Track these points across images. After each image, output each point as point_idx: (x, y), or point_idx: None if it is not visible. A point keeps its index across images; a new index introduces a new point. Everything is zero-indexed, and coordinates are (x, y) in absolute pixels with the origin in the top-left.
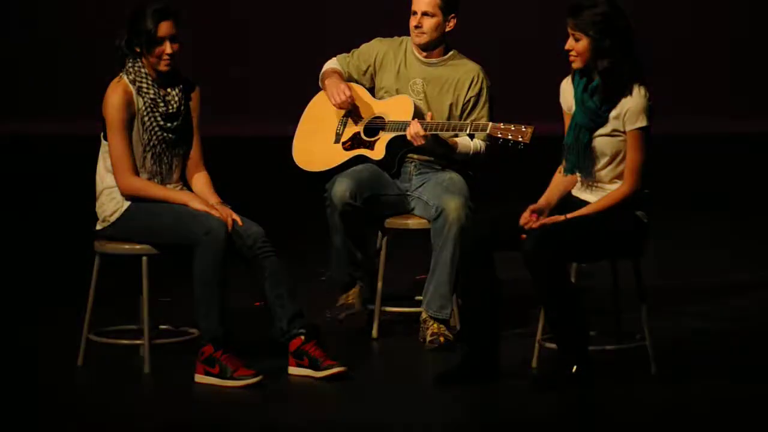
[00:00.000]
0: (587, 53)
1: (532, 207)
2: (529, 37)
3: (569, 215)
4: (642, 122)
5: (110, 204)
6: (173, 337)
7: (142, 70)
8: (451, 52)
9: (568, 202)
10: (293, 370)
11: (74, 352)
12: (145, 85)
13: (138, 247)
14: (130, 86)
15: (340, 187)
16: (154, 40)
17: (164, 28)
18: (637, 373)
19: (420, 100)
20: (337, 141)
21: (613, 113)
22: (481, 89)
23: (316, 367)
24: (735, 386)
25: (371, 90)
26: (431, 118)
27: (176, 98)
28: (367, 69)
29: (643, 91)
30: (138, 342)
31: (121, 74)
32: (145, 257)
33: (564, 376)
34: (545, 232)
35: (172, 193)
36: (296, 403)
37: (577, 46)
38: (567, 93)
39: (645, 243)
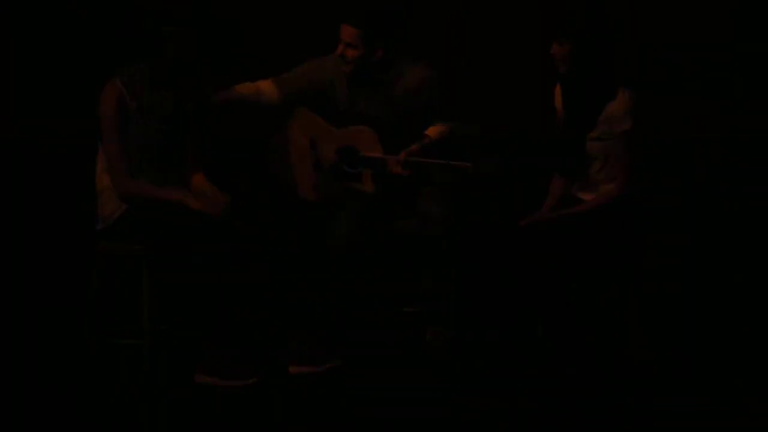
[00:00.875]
0: (571, 58)
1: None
2: (528, 38)
3: (558, 213)
4: (627, 125)
5: (110, 204)
6: (173, 337)
7: (138, 72)
8: (390, 69)
9: (568, 200)
10: (293, 370)
11: (74, 352)
12: (139, 87)
13: (138, 247)
14: (124, 88)
15: (343, 228)
16: (157, 43)
17: (168, 30)
18: (638, 373)
19: (378, 120)
20: (325, 171)
21: (600, 117)
22: (429, 93)
23: (316, 365)
24: (735, 387)
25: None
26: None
27: (171, 99)
28: (315, 92)
29: (627, 94)
30: (138, 342)
31: (115, 76)
32: (145, 257)
33: (563, 375)
34: (531, 232)
35: (170, 193)
36: (296, 403)
37: (561, 51)
38: (560, 96)
39: (641, 242)
